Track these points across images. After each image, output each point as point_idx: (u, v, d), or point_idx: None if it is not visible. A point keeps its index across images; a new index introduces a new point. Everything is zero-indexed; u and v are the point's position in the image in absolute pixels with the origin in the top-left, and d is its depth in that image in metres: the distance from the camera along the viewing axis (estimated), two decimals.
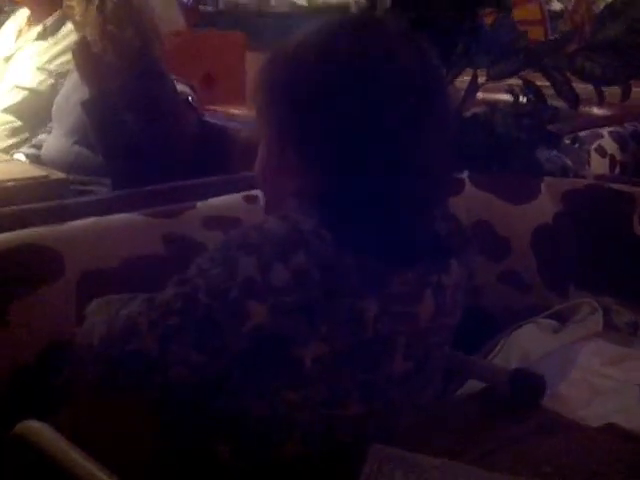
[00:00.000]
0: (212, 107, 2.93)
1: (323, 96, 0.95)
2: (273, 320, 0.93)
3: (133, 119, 2.17)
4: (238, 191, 1.63)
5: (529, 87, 2.14)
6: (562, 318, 1.66)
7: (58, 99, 2.49)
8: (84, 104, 2.20)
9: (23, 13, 2.80)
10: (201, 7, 5.46)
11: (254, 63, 5.22)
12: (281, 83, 1.00)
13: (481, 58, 2.11)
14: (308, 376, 0.97)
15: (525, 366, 1.38)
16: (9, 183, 1.89)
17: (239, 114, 3.11)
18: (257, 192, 1.62)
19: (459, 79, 2.11)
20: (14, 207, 1.42)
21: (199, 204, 1.53)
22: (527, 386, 1.12)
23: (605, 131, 2.62)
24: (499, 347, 1.58)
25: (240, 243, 0.95)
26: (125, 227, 1.42)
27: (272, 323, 0.94)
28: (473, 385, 1.31)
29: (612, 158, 2.58)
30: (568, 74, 2.10)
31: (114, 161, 2.21)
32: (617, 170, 2.60)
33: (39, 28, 2.70)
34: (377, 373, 1.01)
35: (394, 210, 0.98)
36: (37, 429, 1.00)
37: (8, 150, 2.60)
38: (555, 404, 1.10)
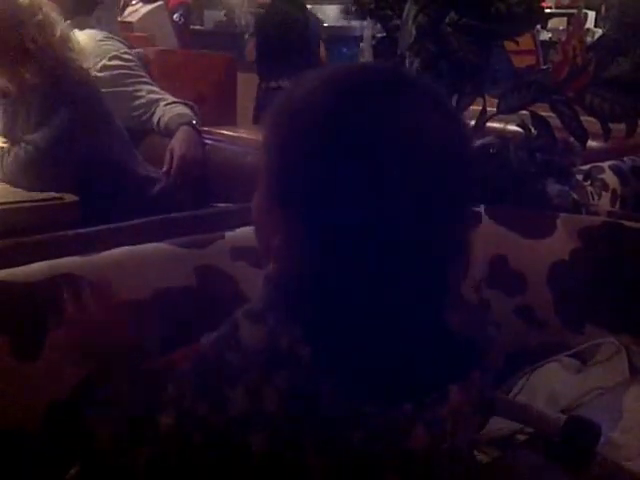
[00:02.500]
0: (204, 128, 2.91)
1: (322, 160, 0.82)
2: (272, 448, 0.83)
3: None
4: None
5: (538, 120, 2.15)
6: (582, 357, 1.66)
7: None
8: None
9: None
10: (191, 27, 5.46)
11: (245, 84, 5.22)
12: (285, 131, 0.87)
13: (492, 90, 2.14)
14: None
15: (555, 407, 1.38)
16: (23, 204, 1.86)
17: (231, 135, 3.08)
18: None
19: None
20: (44, 235, 1.38)
21: (227, 234, 1.51)
22: (582, 434, 1.11)
23: (606, 165, 2.64)
24: (520, 385, 1.58)
25: (219, 374, 0.84)
26: (157, 257, 1.39)
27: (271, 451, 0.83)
28: (500, 423, 1.30)
29: (614, 192, 2.59)
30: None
31: None
32: (618, 204, 2.61)
33: None
34: None
35: (392, 331, 0.84)
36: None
37: None
38: (609, 452, 1.09)
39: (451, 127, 0.87)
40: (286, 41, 5.03)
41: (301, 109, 0.86)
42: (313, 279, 0.84)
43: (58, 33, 2.25)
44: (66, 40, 2.28)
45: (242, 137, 2.95)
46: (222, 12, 8.07)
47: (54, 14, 2.27)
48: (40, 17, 2.21)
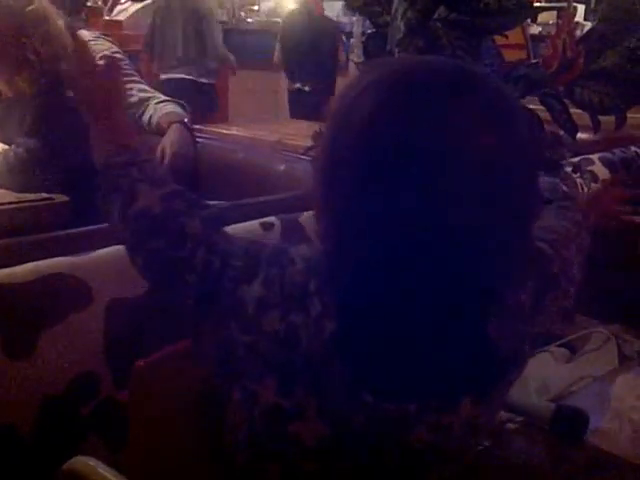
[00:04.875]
0: (197, 126, 2.91)
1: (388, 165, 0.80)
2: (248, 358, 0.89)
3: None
4: (253, 216, 1.63)
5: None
6: (572, 347, 1.67)
7: None
8: None
9: None
10: None
11: (236, 81, 5.21)
12: (334, 125, 0.87)
13: None
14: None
15: (546, 396, 1.39)
16: (13, 206, 1.86)
17: (223, 133, 3.09)
18: (273, 219, 1.63)
19: None
20: (35, 236, 1.39)
21: None
22: (571, 422, 1.12)
23: (595, 157, 2.65)
24: None
25: (269, 259, 0.91)
26: None
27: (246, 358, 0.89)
28: None
29: (604, 184, 2.60)
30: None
31: None
32: None
33: None
34: (366, 462, 0.92)
35: (410, 341, 0.85)
36: (90, 466, 0.98)
37: None
38: (597, 440, 1.10)
39: (505, 131, 0.83)
40: (310, 47, 5.11)
41: (350, 105, 0.85)
42: (347, 264, 0.85)
43: (63, 46, 2.23)
44: (70, 52, 2.26)
45: (234, 135, 2.96)
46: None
47: (61, 23, 2.25)
48: (45, 28, 2.19)
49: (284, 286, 0.87)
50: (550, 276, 1.07)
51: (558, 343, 1.66)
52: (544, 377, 1.50)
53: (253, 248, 0.94)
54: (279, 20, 7.04)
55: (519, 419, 1.21)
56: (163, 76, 4.83)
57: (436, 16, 2.05)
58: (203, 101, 4.80)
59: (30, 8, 2.15)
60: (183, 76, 4.81)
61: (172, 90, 4.45)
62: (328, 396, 0.87)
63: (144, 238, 0.97)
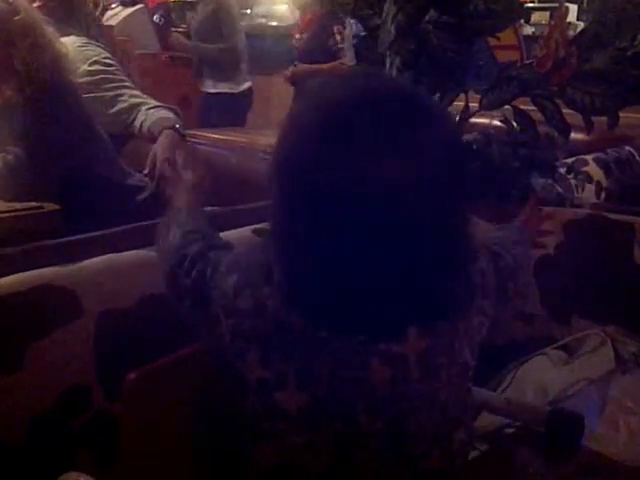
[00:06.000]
0: (190, 131, 2.90)
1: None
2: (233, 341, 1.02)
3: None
4: (245, 222, 1.62)
5: (520, 115, 2.15)
6: (569, 349, 1.67)
7: None
8: None
9: None
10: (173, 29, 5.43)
11: None
12: (283, 129, 0.98)
13: (475, 85, 2.14)
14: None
15: (544, 400, 1.39)
16: (2, 214, 1.85)
17: (217, 138, 3.08)
18: (266, 225, 1.61)
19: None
20: (24, 245, 1.37)
21: None
22: (566, 427, 1.11)
23: (590, 158, 2.64)
24: (509, 379, 1.58)
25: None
26: (139, 265, 1.39)
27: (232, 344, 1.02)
28: (488, 418, 1.31)
29: (598, 184, 2.60)
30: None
31: None
32: (603, 196, 2.62)
33: None
34: (343, 428, 1.00)
35: (347, 278, 0.94)
36: None
37: None
38: (593, 443, 1.09)
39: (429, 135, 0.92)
40: None
41: (296, 115, 0.99)
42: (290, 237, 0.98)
43: (51, 55, 2.23)
44: (58, 61, 2.26)
45: (226, 140, 2.95)
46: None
47: (49, 32, 2.25)
48: (33, 37, 2.18)
49: (251, 266, 1.04)
50: (507, 268, 1.22)
51: (554, 346, 1.65)
52: (541, 380, 1.49)
53: (237, 254, 1.13)
54: (274, 23, 7.05)
55: (516, 424, 1.20)
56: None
57: (427, 19, 2.04)
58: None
59: (17, 18, 2.15)
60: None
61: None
62: (295, 349, 0.98)
63: (167, 261, 1.20)
